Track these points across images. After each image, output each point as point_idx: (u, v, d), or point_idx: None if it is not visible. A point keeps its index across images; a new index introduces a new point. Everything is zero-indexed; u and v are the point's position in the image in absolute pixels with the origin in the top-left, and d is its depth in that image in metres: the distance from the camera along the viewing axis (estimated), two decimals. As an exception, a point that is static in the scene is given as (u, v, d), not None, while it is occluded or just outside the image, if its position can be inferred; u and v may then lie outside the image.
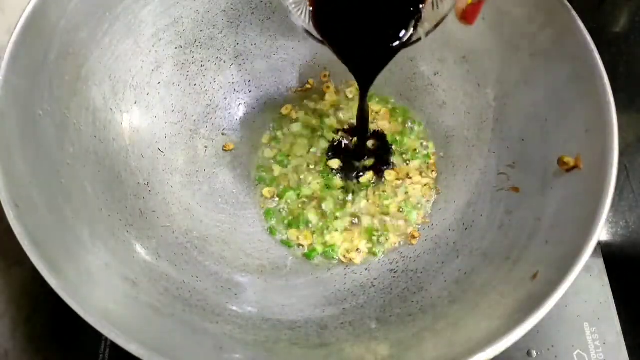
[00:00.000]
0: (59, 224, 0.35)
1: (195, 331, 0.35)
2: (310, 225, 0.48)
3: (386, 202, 0.48)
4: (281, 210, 0.49)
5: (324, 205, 0.49)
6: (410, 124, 0.52)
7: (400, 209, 0.48)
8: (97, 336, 0.43)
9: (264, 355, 0.36)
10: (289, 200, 0.49)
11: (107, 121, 0.43)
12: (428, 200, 0.49)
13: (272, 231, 0.48)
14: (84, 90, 0.41)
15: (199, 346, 0.34)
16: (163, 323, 0.35)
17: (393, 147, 0.51)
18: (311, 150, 0.52)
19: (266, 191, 0.50)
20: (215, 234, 0.46)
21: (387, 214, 0.48)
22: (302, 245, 0.47)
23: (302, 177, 0.50)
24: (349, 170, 0.50)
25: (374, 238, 0.47)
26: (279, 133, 0.53)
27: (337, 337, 0.38)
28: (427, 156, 0.51)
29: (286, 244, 0.47)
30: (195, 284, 0.41)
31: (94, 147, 0.41)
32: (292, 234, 0.48)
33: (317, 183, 0.50)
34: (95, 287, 0.33)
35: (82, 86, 0.41)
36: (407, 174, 0.50)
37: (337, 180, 0.50)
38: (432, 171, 0.50)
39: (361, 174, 0.50)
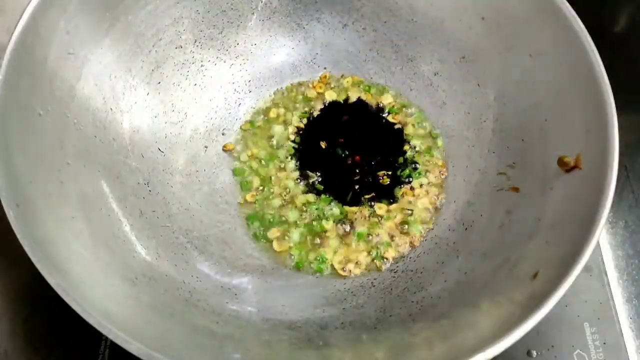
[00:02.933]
0: (59, 224, 0.35)
1: (195, 331, 0.35)
2: (288, 235, 0.47)
3: (383, 220, 0.47)
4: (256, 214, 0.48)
5: (290, 214, 0.48)
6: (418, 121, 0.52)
7: (402, 225, 0.47)
8: (97, 336, 0.43)
9: (264, 355, 0.36)
10: (260, 207, 0.48)
11: (107, 121, 0.43)
12: (436, 208, 0.48)
13: (256, 236, 0.47)
14: (84, 90, 0.41)
15: (199, 346, 0.34)
16: (163, 323, 0.35)
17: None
18: (286, 158, 0.51)
19: (250, 196, 0.49)
20: (215, 234, 0.46)
21: (383, 229, 0.47)
22: (276, 251, 0.46)
23: (273, 188, 0.49)
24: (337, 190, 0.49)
25: (373, 253, 0.46)
26: (255, 136, 0.52)
27: (337, 337, 0.38)
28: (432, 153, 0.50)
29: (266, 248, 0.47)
30: (195, 284, 0.41)
31: (94, 147, 0.41)
32: (272, 234, 0.47)
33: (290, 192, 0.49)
34: (95, 287, 0.33)
35: (82, 86, 0.41)
36: (409, 197, 0.48)
37: (310, 197, 0.49)
38: (441, 172, 0.49)
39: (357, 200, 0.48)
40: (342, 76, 0.54)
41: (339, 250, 0.46)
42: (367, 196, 0.48)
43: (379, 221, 0.47)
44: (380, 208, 0.48)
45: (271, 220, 0.48)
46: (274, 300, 0.42)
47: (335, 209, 0.48)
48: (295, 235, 0.47)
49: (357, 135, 0.52)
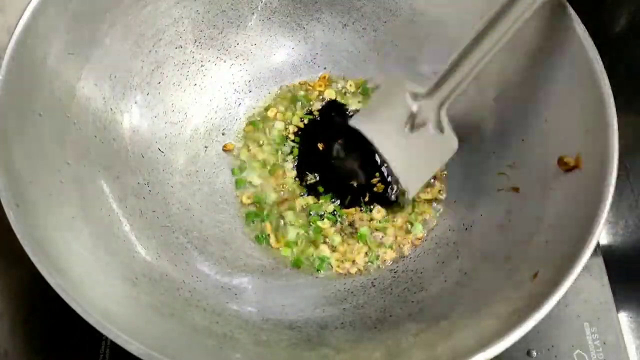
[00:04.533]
0: (59, 224, 0.35)
1: (195, 331, 0.35)
2: (286, 233, 0.47)
3: (382, 221, 0.47)
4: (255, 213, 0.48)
5: (288, 213, 0.48)
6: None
7: (402, 225, 0.47)
8: (97, 336, 0.43)
9: (263, 355, 0.36)
10: (259, 207, 0.48)
11: (107, 121, 0.43)
12: (436, 208, 0.47)
13: (258, 238, 0.47)
14: (84, 90, 0.41)
15: (199, 346, 0.34)
16: (163, 323, 0.35)
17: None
18: (285, 158, 0.51)
19: (248, 195, 0.49)
20: (215, 234, 0.46)
21: (383, 230, 0.47)
22: (275, 250, 0.46)
23: (272, 188, 0.49)
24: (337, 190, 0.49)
25: (372, 253, 0.46)
26: (257, 136, 0.52)
27: (337, 337, 0.38)
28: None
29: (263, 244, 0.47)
30: (195, 284, 0.41)
31: (94, 147, 0.41)
32: (268, 229, 0.47)
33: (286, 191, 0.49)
34: (95, 287, 0.33)
35: (82, 86, 0.41)
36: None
37: (309, 199, 0.49)
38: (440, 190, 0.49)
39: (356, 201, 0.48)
40: (343, 78, 0.54)
41: (338, 249, 0.46)
42: (366, 199, 0.48)
43: (379, 222, 0.47)
44: (379, 211, 0.48)
45: (269, 219, 0.48)
46: (274, 300, 0.42)
47: (333, 210, 0.48)
48: (292, 233, 0.47)
49: (357, 136, 0.52)
